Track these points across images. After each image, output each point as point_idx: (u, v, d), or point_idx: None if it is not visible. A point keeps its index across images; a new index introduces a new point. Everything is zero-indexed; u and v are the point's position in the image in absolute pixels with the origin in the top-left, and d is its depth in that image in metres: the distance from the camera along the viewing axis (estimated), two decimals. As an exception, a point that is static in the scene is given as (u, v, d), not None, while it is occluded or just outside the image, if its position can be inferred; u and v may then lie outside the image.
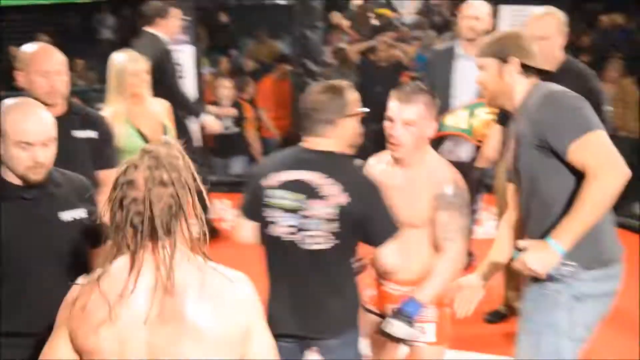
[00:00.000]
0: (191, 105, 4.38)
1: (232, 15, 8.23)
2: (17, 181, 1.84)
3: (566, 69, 2.86)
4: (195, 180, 1.35)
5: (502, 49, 2.07)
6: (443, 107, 3.30)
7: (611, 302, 1.99)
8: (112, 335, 1.29)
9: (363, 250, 2.18)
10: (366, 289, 2.33)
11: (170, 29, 4.14)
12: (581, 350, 2.00)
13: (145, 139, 3.05)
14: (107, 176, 2.32)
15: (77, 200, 1.91)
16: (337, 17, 7.82)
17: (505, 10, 5.16)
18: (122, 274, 1.31)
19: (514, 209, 2.14)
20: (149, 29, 4.10)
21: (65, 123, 2.26)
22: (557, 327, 1.94)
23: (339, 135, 2.02)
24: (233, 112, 5.76)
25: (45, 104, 2.04)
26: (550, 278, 1.92)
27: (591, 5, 7.50)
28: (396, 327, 2.04)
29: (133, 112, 3.11)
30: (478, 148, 3.49)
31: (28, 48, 2.46)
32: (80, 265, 1.77)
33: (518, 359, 2.06)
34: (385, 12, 8.48)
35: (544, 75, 2.08)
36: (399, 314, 2.06)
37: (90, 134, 2.55)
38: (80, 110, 2.62)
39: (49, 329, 1.43)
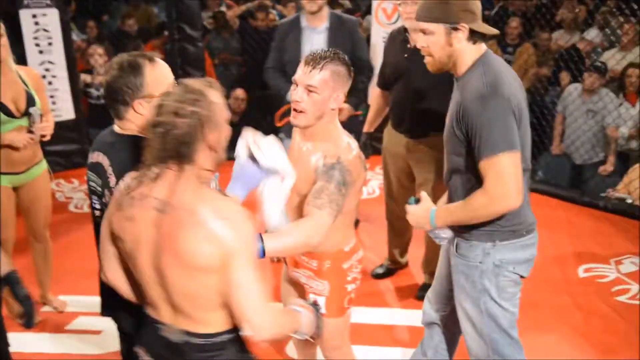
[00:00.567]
0: None
1: (101, -23, 7.73)
2: None
3: None
4: (216, 117, 1.52)
5: (450, 14, 1.96)
6: None
7: (529, 266, 2.15)
8: (132, 229, 1.57)
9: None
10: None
11: None
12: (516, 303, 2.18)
13: (5, 111, 2.82)
14: None
15: None
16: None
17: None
18: (145, 182, 1.55)
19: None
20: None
21: None
22: (488, 292, 2.09)
23: (138, 117, 1.80)
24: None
25: None
26: (473, 251, 2.09)
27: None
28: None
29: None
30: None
31: None
32: None
33: (463, 327, 2.23)
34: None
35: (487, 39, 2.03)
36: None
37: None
38: None
39: None
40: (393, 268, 3.73)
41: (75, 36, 6.38)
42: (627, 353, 3.02)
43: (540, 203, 4.22)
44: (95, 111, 5.63)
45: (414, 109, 3.13)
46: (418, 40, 2.07)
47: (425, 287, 3.49)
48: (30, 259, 3.32)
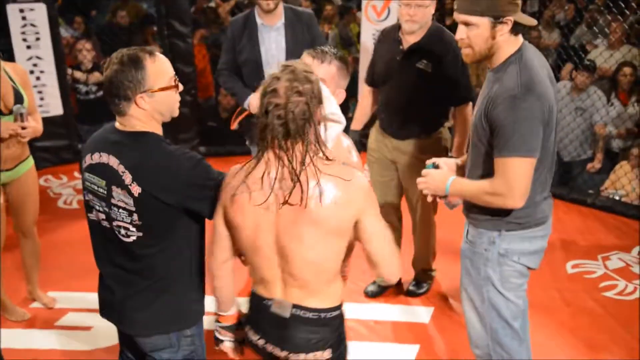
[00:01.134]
0: None
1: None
2: None
3: (436, 36, 3.02)
4: (321, 94, 1.64)
5: (496, 7, 1.94)
6: (259, 78, 3.14)
7: (538, 258, 2.17)
8: (250, 215, 1.67)
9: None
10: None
11: None
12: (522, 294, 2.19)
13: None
14: None
15: None
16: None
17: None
18: (260, 167, 1.65)
19: None
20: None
21: None
22: (491, 280, 2.12)
23: (140, 112, 1.78)
24: (97, 76, 5.45)
25: None
26: (480, 238, 2.12)
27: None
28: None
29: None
30: None
31: None
32: None
33: (465, 311, 2.26)
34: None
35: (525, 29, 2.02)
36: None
37: None
38: None
39: None
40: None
41: (64, 31, 6.32)
42: (614, 349, 3.06)
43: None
44: (85, 107, 5.59)
45: (403, 111, 3.10)
46: (458, 32, 2.04)
47: (416, 284, 3.53)
48: (19, 256, 3.30)
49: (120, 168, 1.77)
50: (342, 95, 2.09)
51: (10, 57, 4.89)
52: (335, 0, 7.36)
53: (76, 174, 5.22)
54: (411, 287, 3.50)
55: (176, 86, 1.84)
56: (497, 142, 1.95)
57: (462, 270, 2.22)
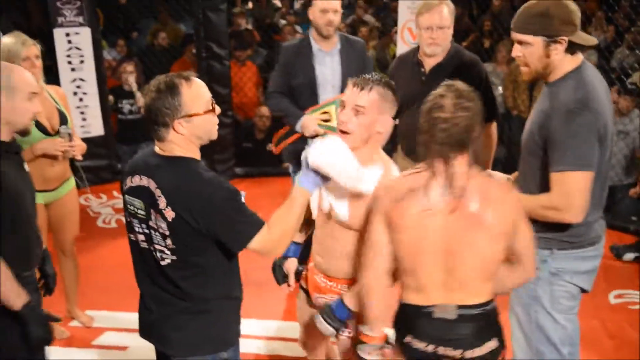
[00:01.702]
0: None
1: (131, -4, 7.89)
2: None
3: (457, 57, 3.02)
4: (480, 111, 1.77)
5: (550, 28, 1.95)
6: (314, 101, 3.28)
7: (591, 278, 2.13)
8: (415, 221, 1.78)
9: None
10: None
11: None
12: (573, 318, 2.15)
13: (41, 128, 2.88)
14: None
15: None
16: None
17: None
18: (424, 176, 1.79)
19: None
20: None
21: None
22: (540, 300, 2.09)
23: (179, 137, 1.81)
24: (140, 97, 5.57)
25: None
26: None
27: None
28: (324, 326, 2.06)
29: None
30: None
31: None
32: None
33: (513, 331, 2.21)
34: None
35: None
36: (329, 313, 2.05)
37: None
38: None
39: None
40: None
41: (107, 54, 6.51)
42: (660, 383, 2.94)
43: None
44: (125, 127, 5.72)
45: None
46: (514, 50, 2.06)
47: None
48: (58, 274, 3.36)
49: (157, 192, 1.80)
50: (388, 122, 2.03)
51: (55, 79, 5.05)
52: (371, 23, 7.41)
53: (115, 193, 5.33)
54: None
55: (213, 110, 1.86)
56: (553, 156, 1.94)
57: (513, 291, 2.17)
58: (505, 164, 5.35)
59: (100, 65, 5.43)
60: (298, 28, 7.32)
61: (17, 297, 1.98)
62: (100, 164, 5.58)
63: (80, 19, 5.23)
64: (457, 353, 1.82)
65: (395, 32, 6.97)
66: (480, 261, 1.78)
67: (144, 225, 1.87)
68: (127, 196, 1.92)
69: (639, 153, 4.88)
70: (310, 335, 2.39)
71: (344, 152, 1.85)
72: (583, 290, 2.11)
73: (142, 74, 6.33)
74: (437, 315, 1.81)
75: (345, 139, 1.94)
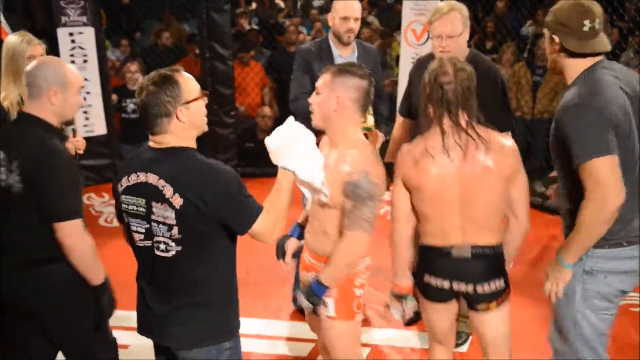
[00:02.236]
0: None
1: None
2: None
3: (473, 64, 2.94)
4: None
5: (549, 23, 2.07)
6: None
7: (631, 280, 2.11)
8: (435, 174, 2.10)
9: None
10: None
11: None
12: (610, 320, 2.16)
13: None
14: None
15: None
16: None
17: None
18: (436, 136, 2.11)
19: None
20: None
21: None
22: (572, 297, 2.10)
23: (180, 126, 1.88)
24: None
25: None
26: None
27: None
28: (300, 300, 2.22)
29: (30, 98, 2.94)
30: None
31: None
32: None
33: (550, 327, 2.26)
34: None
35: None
36: (308, 289, 2.18)
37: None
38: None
39: None
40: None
41: (110, 54, 6.53)
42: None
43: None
44: (128, 126, 5.73)
45: None
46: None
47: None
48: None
49: (161, 183, 1.84)
50: (341, 99, 2.15)
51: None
52: (374, 24, 7.41)
53: (117, 192, 5.34)
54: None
55: (205, 95, 1.96)
56: (574, 151, 1.96)
57: None
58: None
59: (103, 65, 5.45)
60: (302, 29, 7.33)
61: (98, 273, 2.17)
62: (102, 163, 5.60)
63: (84, 19, 5.25)
64: (469, 288, 2.15)
65: (397, 33, 6.99)
66: (490, 203, 2.11)
67: (144, 222, 1.89)
68: (123, 196, 1.93)
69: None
70: (309, 315, 2.46)
71: (298, 137, 1.97)
72: (625, 292, 2.11)
73: (146, 74, 6.32)
74: (455, 254, 2.13)
75: (312, 118, 2.22)
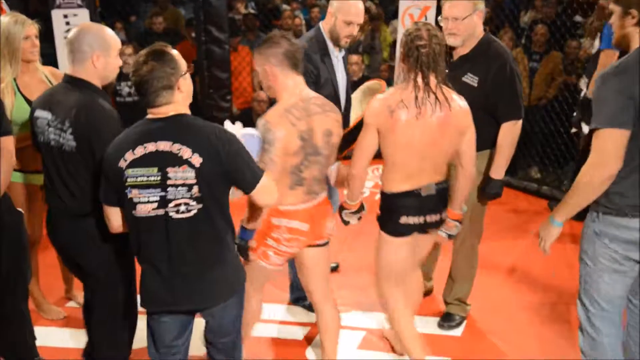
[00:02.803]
0: None
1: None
2: None
3: (483, 49, 2.92)
4: None
5: (624, 0, 2.15)
6: (335, 100, 3.12)
7: (636, 248, 2.18)
8: (407, 124, 2.38)
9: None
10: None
11: None
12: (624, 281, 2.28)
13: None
14: (6, 142, 2.32)
15: None
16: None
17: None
18: (410, 90, 2.38)
19: None
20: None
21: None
22: (586, 254, 2.29)
23: (180, 96, 2.03)
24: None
25: None
26: (589, 215, 2.27)
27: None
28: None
29: (23, 80, 2.93)
30: None
31: None
32: None
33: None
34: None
35: None
36: (238, 237, 2.45)
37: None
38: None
39: None
40: None
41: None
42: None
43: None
44: (123, 109, 5.69)
45: None
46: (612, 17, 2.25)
47: (446, 317, 3.33)
48: (55, 255, 3.37)
49: (175, 147, 1.95)
50: (267, 72, 2.42)
51: (53, 61, 5.02)
52: (370, 8, 7.36)
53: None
54: (440, 322, 3.35)
55: (189, 67, 2.12)
56: (594, 116, 2.09)
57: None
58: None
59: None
60: (298, 13, 7.27)
61: None
62: (98, 147, 5.56)
63: (78, 1, 5.20)
64: (437, 217, 2.58)
65: (386, 16, 6.94)
66: (447, 150, 2.47)
67: (157, 190, 1.96)
68: (130, 170, 1.96)
69: None
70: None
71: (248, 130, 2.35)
72: (635, 261, 2.20)
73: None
74: (424, 193, 2.49)
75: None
